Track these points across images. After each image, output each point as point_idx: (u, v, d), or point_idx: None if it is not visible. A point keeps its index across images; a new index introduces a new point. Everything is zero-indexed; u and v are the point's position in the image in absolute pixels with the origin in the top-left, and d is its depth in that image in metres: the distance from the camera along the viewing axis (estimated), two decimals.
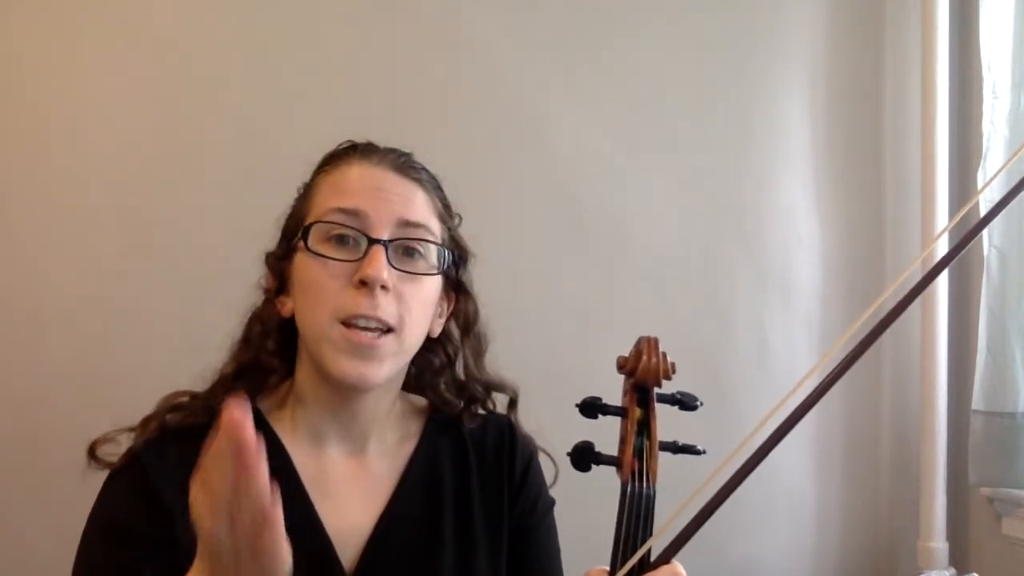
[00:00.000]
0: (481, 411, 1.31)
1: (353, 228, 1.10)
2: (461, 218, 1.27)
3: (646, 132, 2.17)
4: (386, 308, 1.08)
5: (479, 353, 1.30)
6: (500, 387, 1.31)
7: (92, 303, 1.79)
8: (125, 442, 1.16)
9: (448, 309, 1.25)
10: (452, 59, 2.03)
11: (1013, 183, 0.98)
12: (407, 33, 2.00)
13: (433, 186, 1.21)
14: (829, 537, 2.31)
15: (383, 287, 1.08)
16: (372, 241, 1.09)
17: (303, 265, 1.13)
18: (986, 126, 2.15)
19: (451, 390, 1.29)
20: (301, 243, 1.12)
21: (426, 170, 1.21)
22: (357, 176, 1.14)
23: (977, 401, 2.14)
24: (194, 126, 1.85)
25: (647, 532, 0.88)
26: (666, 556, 0.85)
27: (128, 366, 1.79)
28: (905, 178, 2.34)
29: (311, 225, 1.12)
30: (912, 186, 2.32)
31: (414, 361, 1.22)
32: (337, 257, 1.10)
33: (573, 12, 2.12)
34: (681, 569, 0.88)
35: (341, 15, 1.96)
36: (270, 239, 1.24)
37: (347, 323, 1.08)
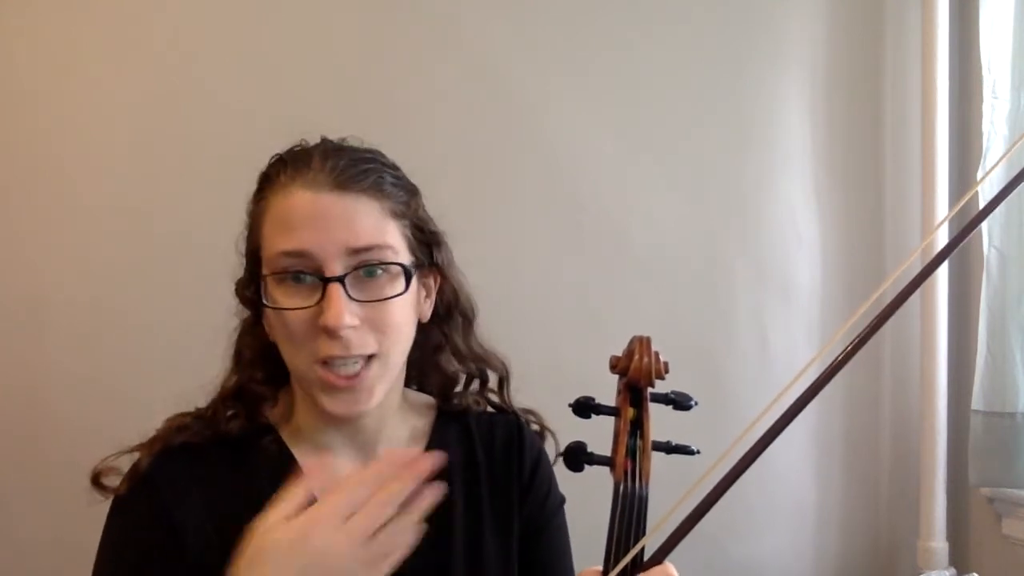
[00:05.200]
0: (489, 407, 1.30)
1: (305, 271, 1.05)
2: (421, 195, 1.19)
3: (646, 132, 2.17)
4: (359, 342, 1.05)
5: (467, 328, 1.27)
6: (490, 361, 1.29)
7: (92, 304, 1.80)
8: (125, 465, 1.14)
9: (435, 287, 1.21)
10: (452, 59, 2.03)
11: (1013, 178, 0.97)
12: (407, 33, 2.00)
13: (380, 184, 1.10)
14: (829, 537, 2.31)
15: (351, 327, 1.04)
16: (327, 280, 1.03)
17: (267, 311, 1.09)
18: (986, 126, 2.15)
19: (452, 364, 1.27)
20: (260, 291, 1.08)
21: (370, 163, 1.12)
22: (295, 207, 1.06)
23: (977, 401, 2.14)
24: (194, 126, 1.86)
25: (640, 532, 0.88)
26: (658, 556, 0.85)
27: (129, 367, 1.80)
28: (905, 178, 2.34)
29: (263, 279, 1.07)
30: (912, 186, 2.32)
31: (412, 347, 1.18)
32: (295, 306, 1.05)
33: (573, 12, 2.12)
34: (673, 570, 0.87)
35: (341, 15, 1.96)
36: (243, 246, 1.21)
37: (325, 363, 1.05)
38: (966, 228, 0.94)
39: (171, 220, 1.84)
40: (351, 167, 1.09)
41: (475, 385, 1.29)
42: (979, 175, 2.16)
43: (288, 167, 1.11)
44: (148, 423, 1.17)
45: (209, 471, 1.12)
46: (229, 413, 1.15)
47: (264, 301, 1.07)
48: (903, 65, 2.34)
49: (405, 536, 0.84)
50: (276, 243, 1.06)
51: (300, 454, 1.15)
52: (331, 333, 1.03)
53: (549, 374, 1.79)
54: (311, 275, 1.05)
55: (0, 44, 1.78)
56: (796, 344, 2.27)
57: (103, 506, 1.12)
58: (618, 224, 2.14)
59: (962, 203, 1.01)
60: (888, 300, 0.88)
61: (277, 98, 1.90)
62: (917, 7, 2.30)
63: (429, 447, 1.22)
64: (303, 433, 1.17)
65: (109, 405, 1.76)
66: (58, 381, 1.78)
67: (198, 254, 1.81)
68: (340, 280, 1.04)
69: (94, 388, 1.78)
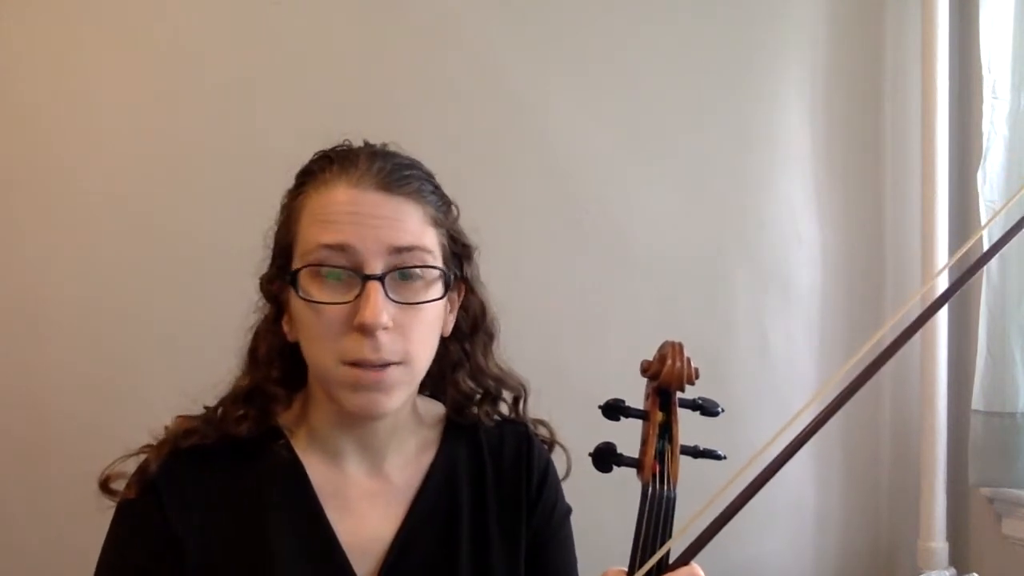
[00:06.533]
0: (497, 416, 1.28)
1: (344, 266, 1.04)
2: (459, 209, 1.20)
3: (646, 132, 2.16)
4: (390, 347, 1.04)
5: (488, 346, 1.27)
6: (507, 381, 1.28)
7: (92, 304, 1.78)
8: (133, 467, 1.13)
9: (458, 301, 1.21)
10: (452, 59, 2.02)
11: (1012, 190, 0.98)
12: (407, 32, 1.99)
13: (422, 190, 1.11)
14: (829, 537, 2.31)
15: (385, 327, 1.03)
16: (366, 278, 1.03)
17: (298, 305, 1.07)
18: (986, 126, 2.16)
19: (469, 382, 1.26)
20: (292, 286, 1.07)
21: (412, 169, 1.12)
22: (339, 202, 1.06)
23: (977, 401, 2.15)
24: (194, 126, 1.84)
25: (667, 534, 0.88)
26: (685, 557, 0.85)
27: (129, 367, 1.79)
28: (905, 178, 2.35)
29: (299, 270, 1.06)
30: (912, 186, 2.33)
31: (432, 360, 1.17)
32: (331, 301, 1.04)
33: (573, 12, 2.11)
34: (699, 570, 0.87)
35: (341, 14, 1.95)
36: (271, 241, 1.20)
37: (352, 364, 1.04)
38: (965, 274, 0.97)
39: (171, 220, 1.82)
40: (396, 171, 1.09)
41: (489, 401, 1.28)
42: (979, 175, 2.16)
43: (333, 164, 1.10)
44: (148, 423, 1.16)
45: (216, 476, 1.11)
46: (238, 414, 1.13)
47: (299, 294, 1.06)
48: (903, 65, 2.35)
49: None
50: (315, 235, 1.05)
51: (309, 460, 1.15)
52: (366, 331, 1.02)
53: (548, 374, 1.78)
54: (349, 271, 1.04)
55: (0, 44, 1.77)
56: (796, 344, 2.28)
57: (103, 507, 1.11)
58: (618, 224, 2.14)
59: (959, 254, 1.02)
60: (909, 318, 0.89)
61: (277, 98, 1.89)
62: (917, 7, 2.31)
63: (438, 458, 1.22)
64: (314, 437, 1.16)
65: (109, 405, 1.75)
66: (58, 381, 1.76)
67: (198, 254, 1.81)
68: (380, 279, 1.03)
69: (94, 388, 1.77)
